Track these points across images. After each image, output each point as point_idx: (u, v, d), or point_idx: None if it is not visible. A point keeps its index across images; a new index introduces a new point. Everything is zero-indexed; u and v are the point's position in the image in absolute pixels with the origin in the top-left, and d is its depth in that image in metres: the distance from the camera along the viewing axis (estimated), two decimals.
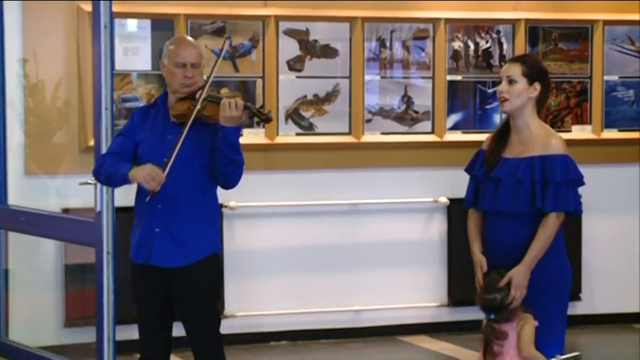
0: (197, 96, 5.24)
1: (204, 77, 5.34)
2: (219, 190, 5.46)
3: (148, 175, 5.13)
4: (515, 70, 5.19)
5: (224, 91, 5.63)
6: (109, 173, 5.39)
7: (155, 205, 5.26)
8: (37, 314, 7.80)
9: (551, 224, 5.06)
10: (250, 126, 7.42)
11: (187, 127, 5.18)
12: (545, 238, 5.06)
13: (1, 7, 7.45)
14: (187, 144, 5.21)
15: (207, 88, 5.25)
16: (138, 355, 7.40)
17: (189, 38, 5.59)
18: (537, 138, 5.16)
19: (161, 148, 5.27)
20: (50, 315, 7.79)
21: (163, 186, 5.17)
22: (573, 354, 5.14)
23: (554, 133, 5.25)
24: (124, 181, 5.31)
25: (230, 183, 5.34)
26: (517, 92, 5.16)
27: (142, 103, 7.87)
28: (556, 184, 5.06)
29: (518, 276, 5.05)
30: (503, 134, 5.26)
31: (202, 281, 5.35)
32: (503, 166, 5.18)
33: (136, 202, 5.43)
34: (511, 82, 5.18)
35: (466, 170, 5.39)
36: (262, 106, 5.29)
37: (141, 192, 5.37)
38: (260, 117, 5.23)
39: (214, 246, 5.43)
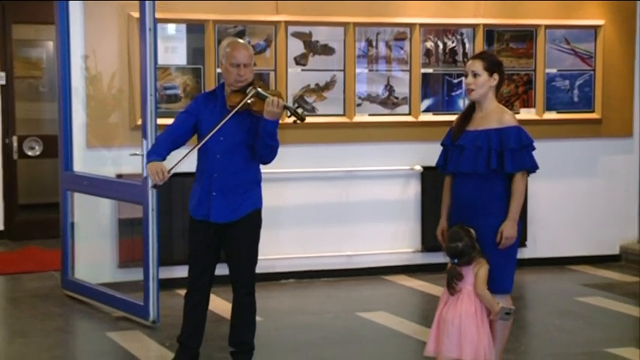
0: (247, 91, 5.23)
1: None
2: None
3: (154, 170, 5.13)
4: (478, 66, 5.17)
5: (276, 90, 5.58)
6: (148, 152, 5.44)
7: (212, 174, 5.28)
8: (97, 258, 7.79)
9: (519, 183, 5.07)
10: None
11: (229, 116, 5.19)
12: (520, 195, 5.07)
13: (67, 14, 7.42)
14: (238, 128, 5.24)
15: (256, 87, 5.24)
16: (177, 291, 7.42)
17: (242, 41, 5.48)
18: (493, 114, 5.16)
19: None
20: (107, 258, 7.79)
21: (219, 160, 5.24)
22: (509, 307, 5.12)
23: (507, 110, 5.26)
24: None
25: (265, 161, 5.36)
26: (481, 83, 5.15)
27: (179, 91, 7.85)
28: (511, 150, 5.06)
29: (507, 229, 5.04)
30: (468, 113, 5.26)
31: (247, 231, 5.38)
32: (467, 137, 5.18)
33: (196, 170, 5.43)
34: (475, 75, 5.16)
35: (441, 144, 5.39)
36: (298, 106, 5.24)
37: (199, 164, 5.39)
38: (296, 116, 5.25)
39: (257, 203, 5.42)
